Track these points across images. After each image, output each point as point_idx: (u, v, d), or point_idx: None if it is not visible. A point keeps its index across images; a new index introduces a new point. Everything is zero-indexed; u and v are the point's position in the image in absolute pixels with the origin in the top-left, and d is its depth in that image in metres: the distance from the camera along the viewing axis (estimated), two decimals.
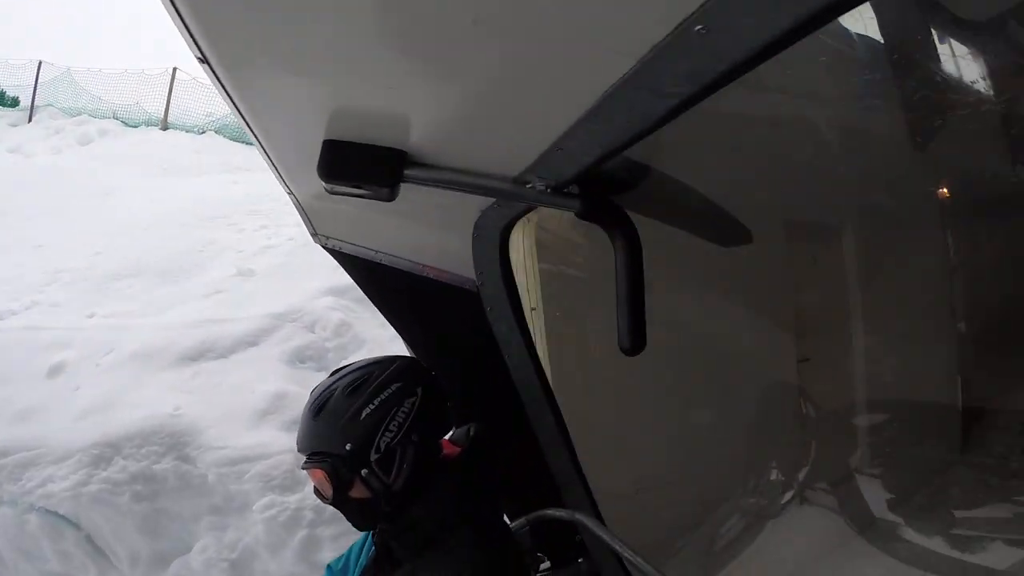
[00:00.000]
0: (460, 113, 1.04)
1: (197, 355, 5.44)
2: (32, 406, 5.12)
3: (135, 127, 13.39)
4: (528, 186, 1.21)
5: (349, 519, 1.36)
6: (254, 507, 4.37)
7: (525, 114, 1.03)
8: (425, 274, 1.76)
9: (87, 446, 4.63)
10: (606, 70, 0.74)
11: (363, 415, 1.28)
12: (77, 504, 4.48)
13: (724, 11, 0.55)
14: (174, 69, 13.57)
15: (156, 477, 4.53)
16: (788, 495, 2.15)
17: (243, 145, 11.75)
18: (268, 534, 4.28)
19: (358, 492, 1.29)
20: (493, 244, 1.57)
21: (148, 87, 13.88)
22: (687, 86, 0.70)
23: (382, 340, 5.16)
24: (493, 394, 1.75)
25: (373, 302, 1.90)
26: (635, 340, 1.15)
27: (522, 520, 1.71)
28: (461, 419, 1.85)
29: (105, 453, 4.60)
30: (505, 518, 1.60)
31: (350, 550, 1.55)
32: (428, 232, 1.72)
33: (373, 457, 1.27)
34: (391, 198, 1.16)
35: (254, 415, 4.83)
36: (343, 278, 2.19)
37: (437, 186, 1.32)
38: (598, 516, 1.83)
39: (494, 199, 1.38)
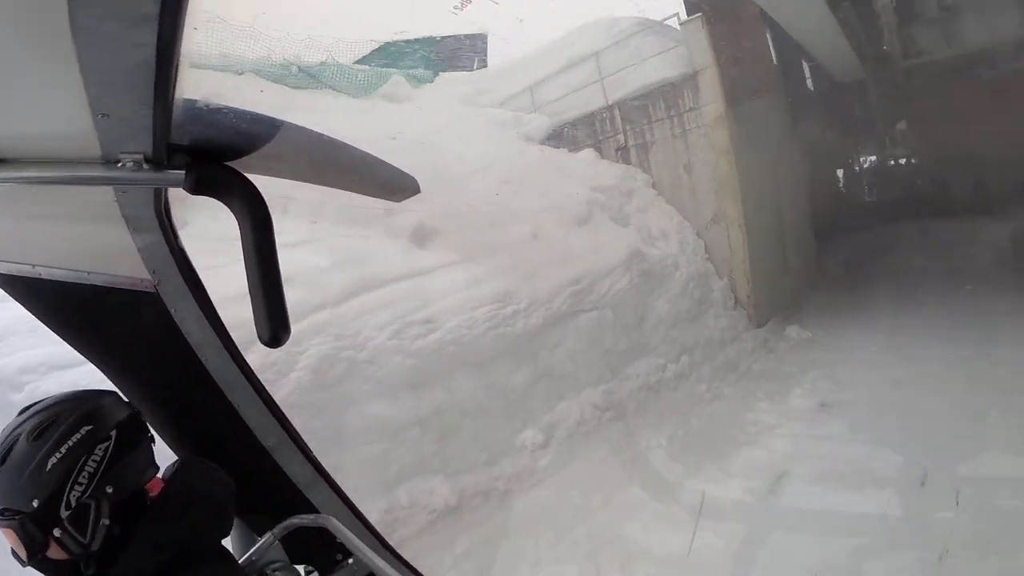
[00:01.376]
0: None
1: None
2: None
3: None
4: (119, 164, 1.02)
5: None
6: None
7: (73, 84, 0.83)
8: (93, 282, 1.47)
9: None
10: None
11: (48, 465, 1.08)
12: None
13: None
14: None
15: None
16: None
17: None
18: None
19: (55, 553, 1.10)
20: (156, 235, 1.35)
21: None
22: None
23: None
24: (204, 404, 1.54)
25: (47, 325, 1.56)
26: (276, 328, 1.01)
27: (268, 536, 1.54)
28: (175, 442, 1.62)
29: None
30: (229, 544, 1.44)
31: None
32: (83, 233, 1.44)
33: (64, 514, 1.09)
34: None
35: None
36: None
37: (26, 183, 1.09)
38: (352, 509, 1.72)
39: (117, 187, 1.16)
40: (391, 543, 1.83)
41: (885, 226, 11.65)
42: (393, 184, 1.04)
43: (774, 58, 10.78)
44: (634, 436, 6.56)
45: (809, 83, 12.88)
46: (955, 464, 5.42)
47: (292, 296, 1.31)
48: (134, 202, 1.26)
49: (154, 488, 1.25)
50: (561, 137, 9.74)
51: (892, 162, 13.02)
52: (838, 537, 4.96)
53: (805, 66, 12.57)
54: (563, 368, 6.68)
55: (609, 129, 9.42)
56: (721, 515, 5.43)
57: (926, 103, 11.23)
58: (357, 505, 1.73)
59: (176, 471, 1.27)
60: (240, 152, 0.99)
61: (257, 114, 0.98)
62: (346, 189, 1.02)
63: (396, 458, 5.41)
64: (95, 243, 1.46)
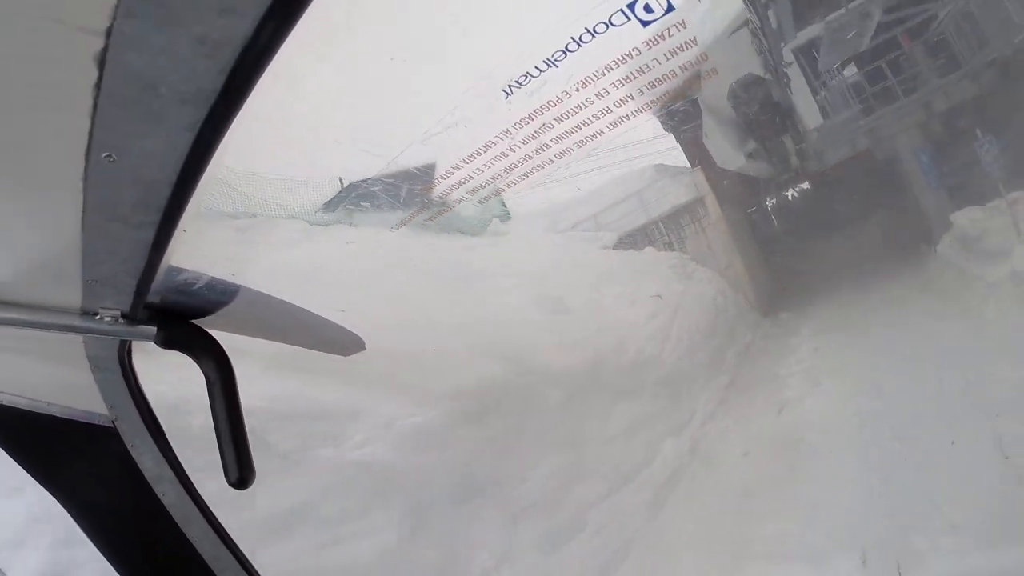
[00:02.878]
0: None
1: None
2: None
3: None
4: (97, 317, 1.08)
5: None
6: None
7: (55, 236, 0.91)
8: (53, 412, 1.47)
9: None
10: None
11: None
12: None
13: None
14: None
15: None
16: None
17: None
18: None
19: None
20: (116, 374, 1.37)
21: None
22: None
23: None
24: (160, 539, 1.51)
25: (6, 451, 1.54)
26: (243, 471, 1.06)
27: None
28: None
29: None
30: None
31: None
32: (46, 366, 1.46)
33: None
34: None
35: None
36: None
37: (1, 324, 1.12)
38: None
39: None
40: None
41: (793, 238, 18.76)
42: (339, 341, 1.13)
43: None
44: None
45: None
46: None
47: None
48: (98, 345, 1.30)
49: None
50: (626, 244, 14.44)
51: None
52: None
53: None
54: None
55: (655, 234, 14.84)
56: None
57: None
58: None
59: None
60: (205, 311, 1.06)
61: (219, 279, 1.07)
62: (298, 345, 1.10)
63: None
64: (58, 376, 1.47)
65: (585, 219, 14.76)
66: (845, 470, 5.75)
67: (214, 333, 1.09)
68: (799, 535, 5.16)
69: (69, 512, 1.54)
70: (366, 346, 1.13)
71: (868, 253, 15.32)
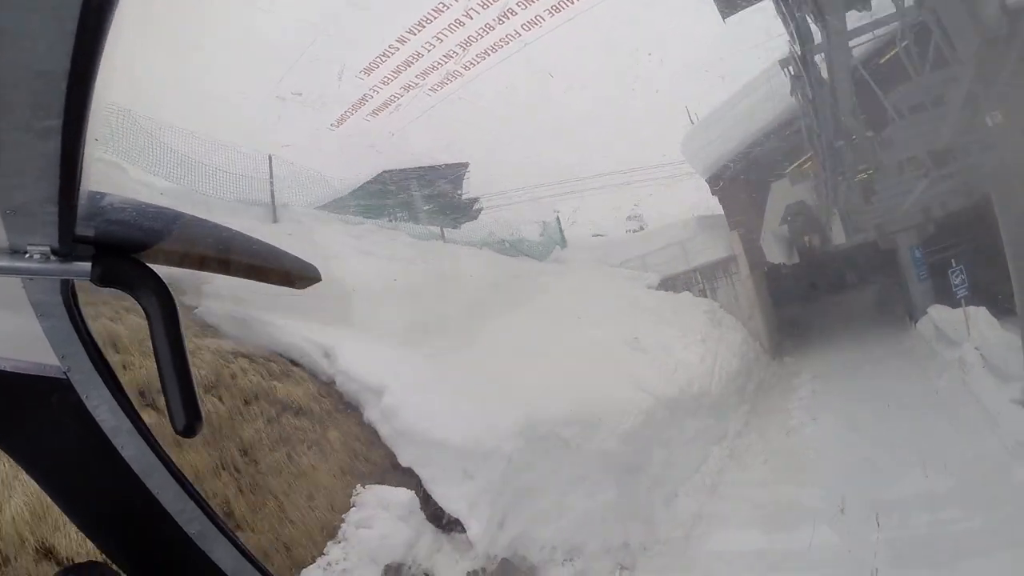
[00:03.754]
0: None
1: None
2: None
3: None
4: (26, 255, 1.00)
5: None
6: None
7: None
8: (2, 367, 1.40)
9: None
10: None
11: None
12: None
13: None
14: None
15: None
16: None
17: None
18: None
19: None
20: (63, 321, 1.30)
21: None
22: None
23: None
24: (121, 493, 1.46)
25: None
26: (190, 417, 1.00)
27: None
28: (94, 534, 1.53)
29: None
30: None
31: None
32: None
33: None
34: None
35: None
36: None
37: None
38: None
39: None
40: None
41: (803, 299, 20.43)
42: (293, 272, 1.06)
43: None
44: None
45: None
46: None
47: None
48: (40, 289, 1.23)
49: None
50: (666, 285, 16.88)
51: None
52: None
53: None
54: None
55: (693, 281, 17.14)
56: None
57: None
58: None
59: None
60: (144, 245, 0.99)
61: (159, 207, 0.99)
62: (248, 278, 1.03)
63: None
64: (2, 327, 1.40)
65: (633, 258, 17.65)
66: (832, 474, 8.91)
67: (156, 268, 1.02)
68: (798, 499, 8.47)
69: (27, 471, 1.48)
70: (321, 276, 1.06)
71: (862, 316, 18.37)
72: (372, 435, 7.36)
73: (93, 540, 1.50)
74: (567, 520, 7.42)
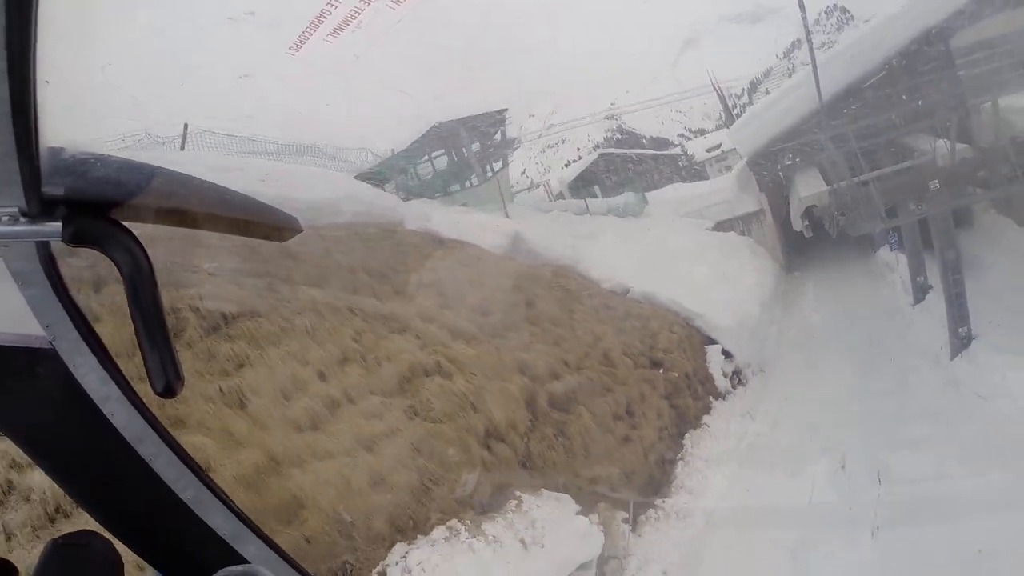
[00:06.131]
0: None
1: None
2: None
3: None
4: None
5: None
6: None
7: None
8: None
9: None
10: None
11: None
12: None
13: None
14: None
15: None
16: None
17: None
18: None
19: None
20: (45, 289, 1.29)
21: None
22: None
23: None
24: (114, 462, 1.46)
25: None
26: (169, 377, 0.98)
27: None
28: (89, 505, 1.54)
29: None
30: None
31: None
32: None
33: None
34: None
35: None
36: None
37: None
38: (284, 558, 1.65)
39: None
40: None
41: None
42: (276, 225, 1.03)
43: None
44: None
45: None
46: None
47: None
48: (17, 256, 1.21)
49: None
50: (718, 228, 23.87)
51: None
52: None
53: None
54: None
55: (736, 225, 24.30)
56: None
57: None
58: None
59: (40, 564, 1.19)
60: (117, 202, 0.96)
61: (131, 161, 0.96)
62: (227, 232, 1.00)
63: None
64: None
65: (694, 210, 24.66)
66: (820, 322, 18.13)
67: (131, 225, 0.99)
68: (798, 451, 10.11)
69: (18, 444, 1.48)
70: (302, 228, 1.03)
71: (846, 254, 22.60)
72: None
73: (87, 510, 1.50)
74: None
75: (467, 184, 23.76)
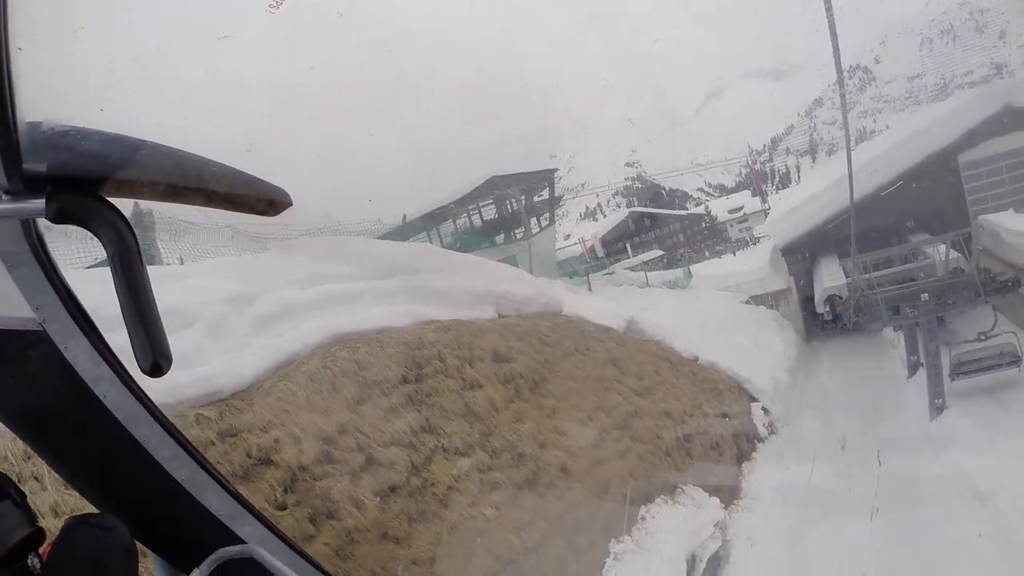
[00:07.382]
0: None
1: None
2: None
3: None
4: None
5: None
6: None
7: None
8: None
9: None
10: None
11: None
12: None
13: None
14: None
15: None
16: None
17: None
18: None
19: None
20: (33, 269, 1.28)
21: None
22: None
23: None
24: (107, 444, 1.46)
25: None
26: (156, 355, 0.97)
27: (195, 573, 1.47)
28: (83, 488, 1.54)
29: None
30: None
31: None
32: None
33: None
34: None
35: None
36: None
37: None
38: (280, 537, 1.66)
39: None
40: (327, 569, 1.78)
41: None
42: (266, 198, 1.02)
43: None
44: None
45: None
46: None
47: None
48: (5, 237, 1.20)
49: (45, 554, 1.19)
50: (750, 302, 27.36)
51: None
52: None
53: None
54: None
55: (766, 300, 27.69)
56: None
57: None
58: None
59: (59, 539, 1.20)
60: (102, 176, 0.95)
61: (115, 135, 0.95)
62: (216, 207, 0.99)
63: None
64: None
65: (731, 285, 28.54)
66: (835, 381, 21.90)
67: (116, 201, 0.99)
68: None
69: (11, 428, 1.48)
70: (292, 201, 1.02)
71: (857, 330, 24.27)
72: None
73: (81, 492, 1.51)
74: None
75: (512, 238, 26.41)
